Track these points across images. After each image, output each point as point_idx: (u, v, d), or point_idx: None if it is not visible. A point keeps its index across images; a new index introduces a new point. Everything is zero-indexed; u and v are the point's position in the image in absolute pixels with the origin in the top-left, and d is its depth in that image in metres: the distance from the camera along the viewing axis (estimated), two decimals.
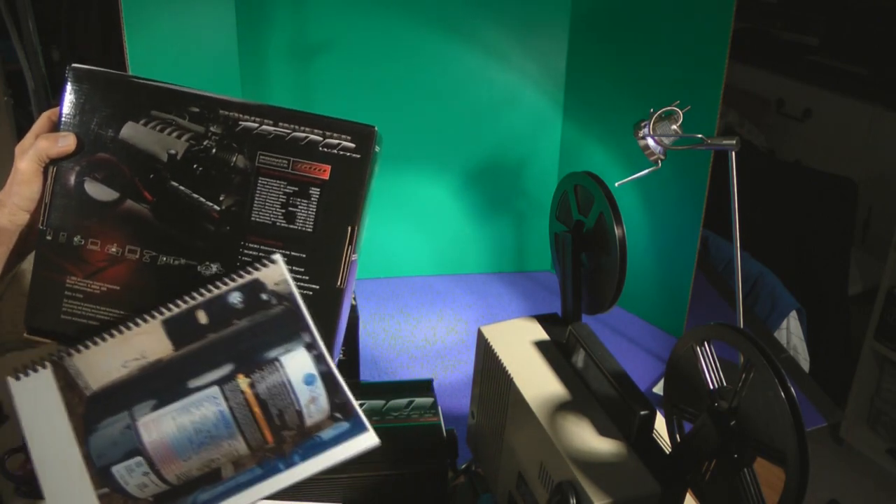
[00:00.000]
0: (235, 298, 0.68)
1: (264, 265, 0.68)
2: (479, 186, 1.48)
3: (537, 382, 0.80)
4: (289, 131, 0.75)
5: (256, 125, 0.74)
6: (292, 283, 0.68)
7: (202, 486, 0.65)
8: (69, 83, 0.72)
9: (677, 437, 0.73)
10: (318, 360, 0.68)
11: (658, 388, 1.20)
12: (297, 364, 0.67)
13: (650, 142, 1.02)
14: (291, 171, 0.72)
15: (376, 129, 0.73)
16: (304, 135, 0.74)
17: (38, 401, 0.66)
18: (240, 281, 0.68)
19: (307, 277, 0.71)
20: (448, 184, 1.47)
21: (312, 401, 0.67)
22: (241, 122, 0.73)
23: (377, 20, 1.33)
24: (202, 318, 0.67)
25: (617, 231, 0.84)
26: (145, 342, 0.67)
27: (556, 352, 0.85)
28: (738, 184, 1.01)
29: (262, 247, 0.71)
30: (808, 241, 2.10)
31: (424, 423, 0.90)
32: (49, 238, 0.70)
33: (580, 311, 0.93)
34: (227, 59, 1.29)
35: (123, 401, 0.66)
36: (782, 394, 0.58)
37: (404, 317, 1.38)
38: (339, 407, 0.67)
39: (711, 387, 0.67)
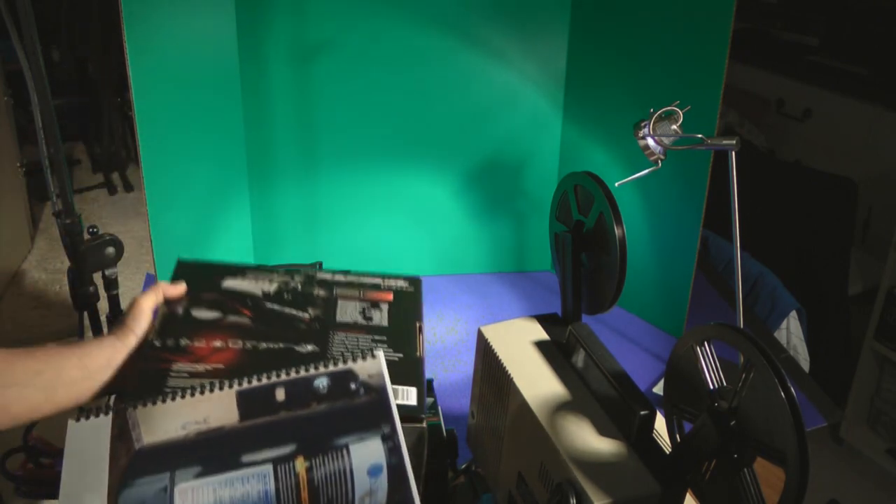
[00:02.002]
0: (321, 383, 0.67)
1: (363, 358, 0.68)
2: (479, 186, 1.48)
3: (537, 382, 0.80)
4: (356, 278, 0.92)
5: (331, 276, 0.91)
6: (387, 378, 0.68)
7: None
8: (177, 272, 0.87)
9: (677, 437, 0.73)
10: (392, 451, 0.64)
11: (658, 388, 1.20)
12: (366, 453, 0.64)
13: (650, 142, 1.02)
14: (362, 297, 0.88)
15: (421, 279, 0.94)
16: (369, 280, 0.91)
17: (87, 445, 0.64)
18: (332, 368, 0.67)
19: (391, 349, 0.81)
20: (448, 184, 1.47)
21: (369, 494, 0.62)
22: (318, 276, 0.91)
23: (377, 21, 1.33)
24: (280, 395, 0.66)
25: (617, 231, 0.84)
26: (212, 408, 0.65)
27: (556, 352, 0.85)
28: (738, 184, 1.01)
29: (348, 334, 0.82)
30: (808, 241, 2.10)
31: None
32: (157, 344, 0.76)
33: (580, 311, 0.93)
34: (227, 59, 1.29)
35: (169, 461, 0.63)
36: (782, 394, 0.58)
37: None
38: (398, 499, 0.62)
39: (711, 387, 0.67)
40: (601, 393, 0.77)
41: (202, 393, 0.66)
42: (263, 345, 0.80)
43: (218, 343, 0.78)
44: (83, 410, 0.66)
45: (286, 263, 1.20)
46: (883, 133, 2.26)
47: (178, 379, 0.74)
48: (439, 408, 0.93)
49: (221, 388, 0.66)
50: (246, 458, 0.63)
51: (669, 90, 1.19)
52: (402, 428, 0.67)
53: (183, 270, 0.88)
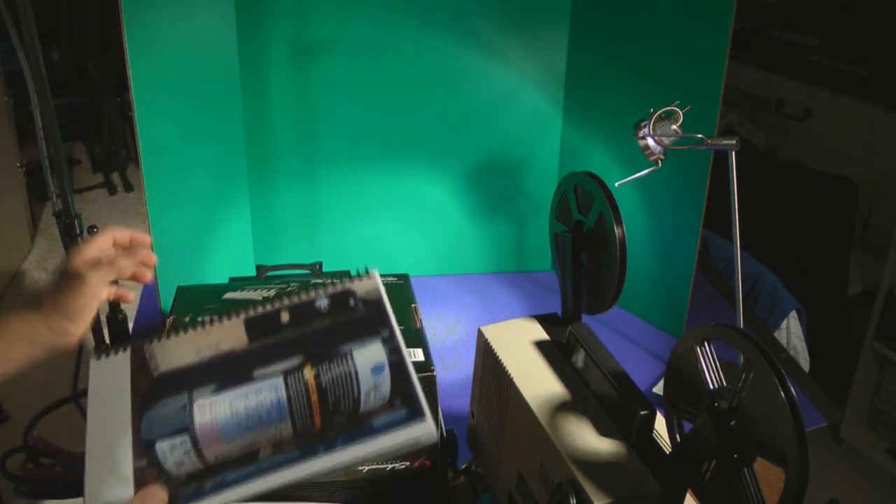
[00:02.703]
0: (322, 303, 0.71)
1: (360, 278, 0.72)
2: (479, 186, 1.48)
3: (537, 382, 0.80)
4: None
5: (324, 280, 0.90)
6: (383, 291, 0.72)
7: (236, 465, 0.65)
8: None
9: (677, 437, 0.73)
10: (393, 351, 0.69)
11: (658, 388, 1.20)
12: (368, 355, 0.69)
13: (650, 142, 1.02)
14: None
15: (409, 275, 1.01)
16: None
17: (110, 379, 0.68)
18: (331, 290, 0.71)
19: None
20: (448, 184, 1.47)
21: (374, 388, 0.67)
22: (313, 280, 0.97)
23: (377, 20, 1.33)
24: (284, 318, 0.70)
25: (617, 231, 0.84)
26: (223, 335, 0.70)
27: (556, 352, 0.85)
28: (738, 184, 1.01)
29: None
30: (808, 241, 2.10)
31: None
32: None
33: (580, 311, 0.93)
34: (227, 59, 1.29)
35: (186, 383, 0.68)
36: (782, 394, 0.58)
37: None
38: (401, 392, 0.67)
39: (711, 387, 0.67)
40: (601, 393, 0.77)
41: (212, 324, 0.70)
42: None
43: None
44: (102, 349, 0.70)
45: (286, 263, 1.20)
46: (883, 133, 2.26)
47: None
48: (439, 408, 0.93)
49: (230, 318, 0.70)
50: (257, 372, 0.68)
51: (669, 90, 1.19)
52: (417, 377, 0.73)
53: (183, 295, 0.93)
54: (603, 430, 0.74)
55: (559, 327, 0.89)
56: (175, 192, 1.28)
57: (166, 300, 1.26)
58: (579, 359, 0.82)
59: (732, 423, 0.64)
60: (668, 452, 0.72)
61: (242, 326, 0.70)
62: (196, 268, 1.34)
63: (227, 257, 1.39)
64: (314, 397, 0.67)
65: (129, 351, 0.69)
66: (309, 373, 0.68)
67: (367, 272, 0.72)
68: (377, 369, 0.68)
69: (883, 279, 1.92)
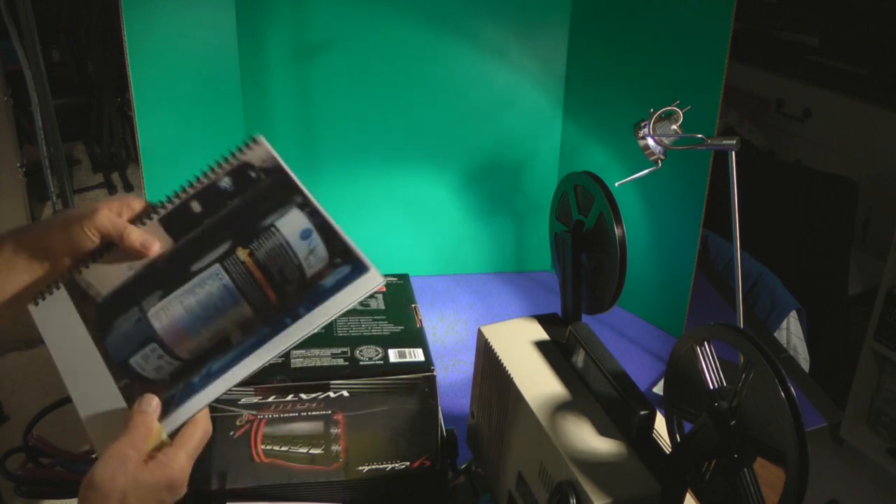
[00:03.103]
0: (225, 183, 0.72)
1: (249, 148, 0.73)
2: (479, 186, 1.48)
3: (537, 382, 0.80)
4: None
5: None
6: (278, 157, 0.73)
7: (214, 355, 0.68)
8: None
9: (677, 437, 0.73)
10: (313, 214, 0.70)
11: (658, 388, 1.20)
12: (292, 224, 0.70)
13: (650, 142, 1.02)
14: None
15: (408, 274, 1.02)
16: None
17: (57, 318, 0.70)
18: (227, 167, 0.72)
19: (391, 324, 0.89)
20: (448, 184, 1.47)
21: (311, 252, 0.69)
22: None
23: (377, 20, 1.33)
24: (196, 207, 0.71)
25: (617, 231, 0.84)
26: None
27: (556, 352, 0.85)
28: (738, 184, 1.01)
29: (349, 318, 0.89)
30: (808, 241, 2.10)
31: None
32: None
33: (580, 311, 0.93)
34: (227, 59, 1.29)
35: (132, 298, 0.69)
36: (782, 394, 0.58)
37: None
38: (339, 251, 0.69)
39: (711, 387, 0.67)
40: (601, 393, 0.77)
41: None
42: None
43: None
44: (38, 295, 0.70)
45: None
46: (883, 133, 2.27)
47: None
48: (439, 408, 0.93)
49: (144, 224, 0.71)
50: (194, 267, 0.70)
51: (669, 90, 1.19)
52: (413, 378, 0.79)
53: None
54: (603, 430, 0.74)
55: (559, 327, 0.89)
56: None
57: None
58: (579, 359, 0.82)
59: (732, 423, 0.64)
60: (668, 452, 0.72)
61: (161, 228, 0.71)
62: None
63: None
64: (257, 274, 0.69)
65: (62, 287, 0.70)
66: (243, 253, 0.69)
67: (252, 139, 0.73)
68: (305, 234, 0.69)
69: (883, 279, 1.92)
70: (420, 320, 0.91)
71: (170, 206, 0.72)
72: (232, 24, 1.27)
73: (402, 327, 0.89)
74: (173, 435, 0.67)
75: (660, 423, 0.74)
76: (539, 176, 1.48)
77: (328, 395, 0.80)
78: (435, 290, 1.48)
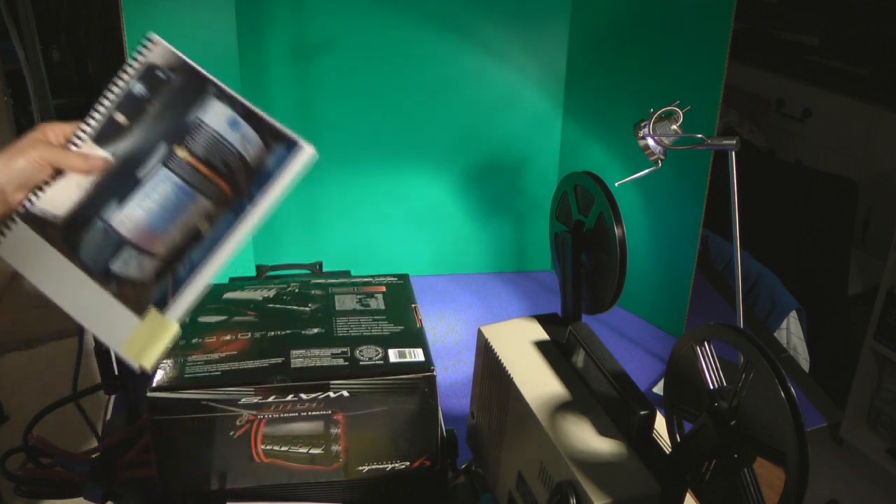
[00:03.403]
0: (139, 89, 0.76)
1: (148, 48, 0.77)
2: (479, 186, 1.48)
3: (537, 382, 0.80)
4: (348, 280, 1.00)
5: (324, 280, 0.99)
6: (180, 53, 0.77)
7: (190, 246, 0.73)
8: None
9: (677, 437, 0.73)
10: (232, 103, 0.74)
11: (658, 388, 1.20)
12: (215, 114, 0.74)
13: (650, 142, 1.02)
14: (357, 291, 0.96)
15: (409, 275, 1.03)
16: (361, 279, 1.00)
17: (25, 249, 0.73)
18: (133, 72, 0.76)
19: (392, 324, 0.89)
20: (448, 184, 1.47)
21: (244, 139, 0.73)
22: (313, 281, 0.99)
23: (377, 20, 1.33)
24: (121, 118, 0.75)
25: (617, 231, 0.84)
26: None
27: (556, 352, 0.85)
28: (738, 184, 1.01)
29: (349, 318, 0.90)
30: (808, 241, 2.10)
31: None
32: (169, 346, 0.81)
33: (580, 311, 0.93)
34: (227, 59, 1.29)
35: (91, 212, 0.74)
36: (782, 394, 0.58)
37: None
38: (269, 133, 0.74)
39: (711, 387, 0.67)
40: (601, 393, 0.77)
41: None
42: (271, 333, 0.86)
43: (228, 337, 0.84)
44: None
45: (286, 263, 1.20)
46: (883, 133, 2.26)
47: (196, 366, 0.79)
48: (439, 408, 0.93)
49: (77, 146, 0.75)
50: (140, 173, 0.74)
51: (669, 90, 1.19)
52: (413, 378, 0.80)
53: None
54: (603, 430, 0.74)
55: (559, 327, 0.89)
56: None
57: None
58: (579, 359, 0.82)
59: (732, 423, 0.64)
60: (668, 452, 0.72)
61: (94, 145, 0.75)
62: None
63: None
64: (203, 169, 0.74)
65: (18, 221, 0.73)
66: (181, 151, 0.74)
67: (148, 39, 0.76)
68: (232, 122, 0.74)
69: (883, 279, 1.92)
70: (420, 320, 0.91)
71: (95, 123, 0.75)
72: (232, 24, 1.27)
73: (402, 327, 0.89)
74: (182, 326, 0.72)
75: (660, 423, 0.74)
76: (539, 176, 1.48)
77: (328, 395, 0.80)
78: (435, 290, 1.48)
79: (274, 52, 1.32)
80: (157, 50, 0.76)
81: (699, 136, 1.01)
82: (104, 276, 0.72)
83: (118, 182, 0.74)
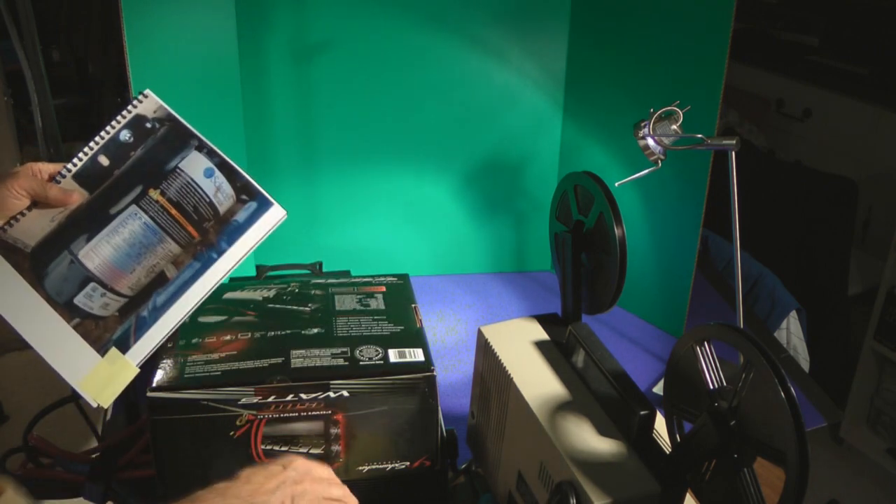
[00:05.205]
0: (125, 136, 0.79)
1: (140, 101, 0.80)
2: (479, 186, 1.48)
3: (537, 382, 0.80)
4: (348, 280, 1.00)
5: (325, 280, 0.99)
6: (168, 107, 0.80)
7: (155, 289, 0.76)
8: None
9: (677, 437, 0.73)
10: (210, 154, 0.78)
11: (658, 388, 1.20)
12: (194, 164, 0.78)
13: (650, 142, 1.02)
14: (357, 291, 0.96)
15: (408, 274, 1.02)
16: (361, 279, 1.00)
17: None
18: (123, 121, 0.79)
19: (391, 324, 0.89)
20: (448, 184, 1.47)
21: (218, 189, 0.77)
22: (313, 280, 0.99)
23: (377, 20, 1.33)
24: (104, 161, 0.78)
25: (617, 231, 0.84)
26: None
27: (556, 352, 0.85)
28: (738, 184, 1.01)
29: (349, 318, 0.89)
30: (808, 241, 2.10)
31: None
32: (170, 346, 0.82)
33: (580, 311, 0.93)
34: (227, 59, 1.29)
35: (60, 244, 0.76)
36: (782, 394, 0.58)
37: None
38: (243, 189, 0.78)
39: (711, 387, 0.67)
40: (601, 393, 0.77)
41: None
42: (271, 333, 0.86)
43: (228, 337, 0.84)
44: None
45: (286, 263, 1.20)
46: (883, 133, 2.26)
47: (196, 366, 0.79)
48: (439, 408, 0.93)
49: (58, 182, 0.77)
50: (113, 210, 0.77)
51: (669, 90, 1.19)
52: (413, 378, 0.80)
53: None
54: (603, 430, 0.74)
55: (559, 327, 0.89)
56: None
57: None
58: (579, 359, 0.82)
59: (732, 423, 0.64)
60: (668, 452, 0.72)
61: (75, 183, 0.77)
62: None
63: None
64: (173, 212, 0.77)
65: None
66: (155, 194, 0.77)
67: (140, 94, 0.80)
68: (208, 172, 0.78)
69: (883, 279, 1.92)
70: (420, 320, 0.91)
71: (79, 163, 0.78)
72: (232, 24, 1.27)
73: (402, 327, 0.89)
74: (141, 366, 0.74)
75: (660, 423, 0.74)
76: (539, 176, 1.48)
77: (328, 395, 0.80)
78: (435, 290, 1.48)
79: (274, 53, 1.32)
80: (148, 104, 0.80)
81: (699, 136, 1.01)
82: (67, 309, 0.74)
83: (91, 218, 0.76)
